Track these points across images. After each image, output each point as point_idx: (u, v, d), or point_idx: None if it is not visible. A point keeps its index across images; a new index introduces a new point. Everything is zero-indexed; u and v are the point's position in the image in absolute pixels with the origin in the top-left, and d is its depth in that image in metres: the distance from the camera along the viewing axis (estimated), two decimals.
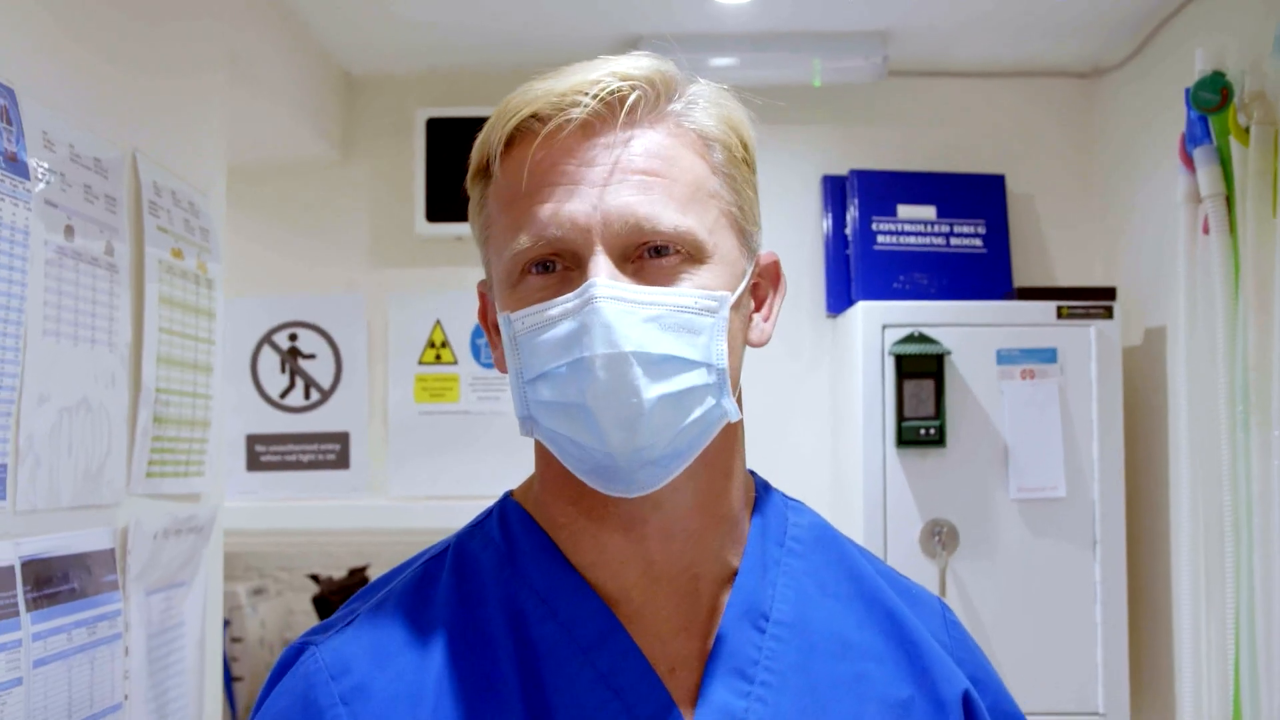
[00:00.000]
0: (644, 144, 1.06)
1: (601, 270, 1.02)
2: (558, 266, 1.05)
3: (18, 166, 1.49)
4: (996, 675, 1.22)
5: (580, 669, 1.06)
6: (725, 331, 1.06)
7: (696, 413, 1.04)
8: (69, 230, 1.63)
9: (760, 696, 1.07)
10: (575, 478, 1.07)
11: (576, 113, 1.04)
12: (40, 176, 1.56)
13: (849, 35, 2.98)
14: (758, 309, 1.16)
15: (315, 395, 3.21)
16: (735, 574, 1.12)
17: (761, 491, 1.20)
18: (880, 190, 3.14)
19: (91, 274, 1.70)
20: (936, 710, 1.11)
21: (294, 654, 1.11)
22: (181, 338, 1.99)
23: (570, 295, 1.02)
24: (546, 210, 1.04)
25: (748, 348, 1.14)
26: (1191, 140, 2.38)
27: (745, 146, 1.13)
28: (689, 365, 1.03)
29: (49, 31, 1.66)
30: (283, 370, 3.22)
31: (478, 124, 1.12)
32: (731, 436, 1.13)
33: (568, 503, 1.11)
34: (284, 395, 3.21)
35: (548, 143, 1.06)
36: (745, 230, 1.12)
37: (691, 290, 1.05)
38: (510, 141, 1.08)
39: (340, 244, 3.25)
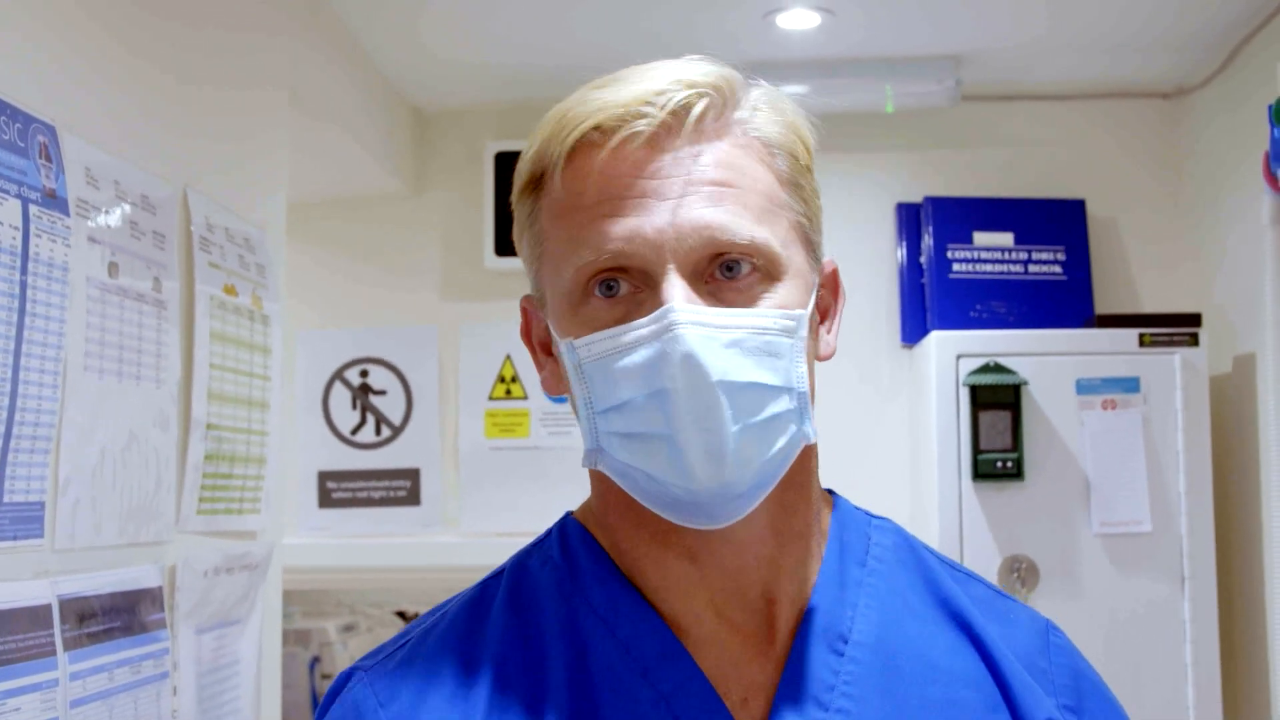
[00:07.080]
0: (714, 155, 1.01)
1: (677, 292, 0.96)
2: (623, 287, 0.99)
3: (57, 203, 1.49)
4: (1113, 714, 1.11)
5: (640, 690, 1.01)
6: (805, 352, 1.01)
7: (780, 443, 0.99)
8: (113, 267, 1.63)
9: None
10: (636, 504, 1.02)
11: (643, 125, 0.99)
12: (81, 213, 1.56)
13: (921, 59, 2.92)
14: (821, 320, 1.10)
15: (386, 431, 3.20)
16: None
17: (842, 510, 1.13)
18: (956, 217, 3.07)
19: (138, 310, 1.70)
20: None
21: (342, 681, 1.08)
22: (235, 374, 1.99)
23: (645, 320, 0.96)
24: (616, 226, 0.98)
25: (816, 363, 1.08)
26: (1275, 159, 2.29)
27: (808, 152, 1.08)
28: (774, 393, 0.98)
29: (95, 69, 1.66)
30: (354, 407, 3.22)
31: None
32: (806, 455, 1.07)
33: (631, 527, 1.06)
34: (355, 432, 3.21)
35: (613, 155, 1.00)
36: (813, 241, 1.07)
37: (770, 310, 0.99)
38: (570, 153, 1.03)
39: (411, 277, 3.26)
